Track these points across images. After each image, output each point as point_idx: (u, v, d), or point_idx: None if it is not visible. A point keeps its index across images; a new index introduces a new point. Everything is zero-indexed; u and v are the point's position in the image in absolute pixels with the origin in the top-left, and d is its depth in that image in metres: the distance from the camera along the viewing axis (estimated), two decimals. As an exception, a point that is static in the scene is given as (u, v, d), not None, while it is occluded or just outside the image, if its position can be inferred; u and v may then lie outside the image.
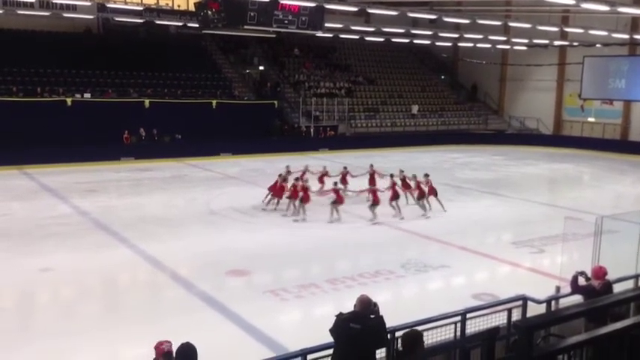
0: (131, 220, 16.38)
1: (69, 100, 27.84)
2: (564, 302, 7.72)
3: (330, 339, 5.65)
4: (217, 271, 12.23)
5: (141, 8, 29.06)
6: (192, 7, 25.27)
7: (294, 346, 6.57)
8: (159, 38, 32.86)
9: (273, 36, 28.57)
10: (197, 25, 21.87)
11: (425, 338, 6.42)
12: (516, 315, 7.35)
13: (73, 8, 27.59)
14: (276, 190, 17.79)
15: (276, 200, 17.84)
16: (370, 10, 22.82)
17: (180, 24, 29.60)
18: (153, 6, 31.47)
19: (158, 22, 28.92)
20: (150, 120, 28.80)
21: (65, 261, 12.65)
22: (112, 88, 30.10)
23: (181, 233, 15.16)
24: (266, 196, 17.99)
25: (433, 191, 17.60)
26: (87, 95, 28.70)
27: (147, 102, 29.46)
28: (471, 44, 35.62)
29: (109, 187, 21.49)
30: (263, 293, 10.93)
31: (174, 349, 5.29)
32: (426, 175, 17.92)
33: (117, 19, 29.56)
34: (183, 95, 31.31)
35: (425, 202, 17.27)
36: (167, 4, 33.05)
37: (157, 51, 32.31)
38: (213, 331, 9.16)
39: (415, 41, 36.42)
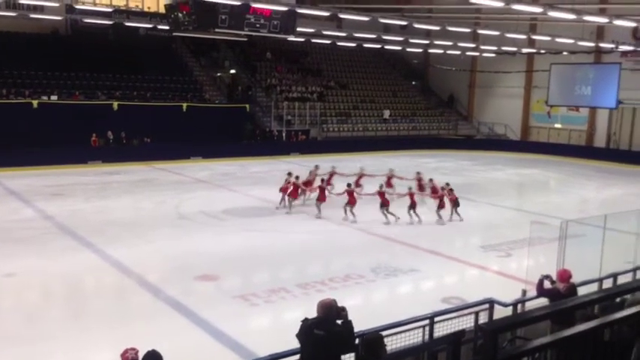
0: (98, 225, 16.09)
1: (35, 103, 27.26)
2: (530, 305, 7.82)
3: (298, 344, 5.62)
4: (186, 275, 12.08)
5: (110, 10, 28.66)
6: (162, 9, 25.04)
7: (263, 351, 6.51)
8: (128, 40, 32.43)
9: (245, 39, 28.43)
10: (167, 28, 21.61)
11: (394, 342, 6.46)
12: (483, 318, 7.43)
13: (40, 9, 27.08)
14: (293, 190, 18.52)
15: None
16: (342, 16, 22.91)
17: (150, 26, 29.27)
18: (122, 7, 31.07)
19: (127, 23, 28.55)
20: (118, 123, 28.39)
21: (30, 266, 12.34)
22: (79, 91, 29.59)
23: (149, 237, 14.94)
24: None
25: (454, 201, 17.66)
26: (54, 97, 28.15)
27: (115, 104, 29.03)
28: (441, 51, 36.03)
29: (75, 191, 21.10)
30: (232, 298, 10.83)
31: (141, 356, 5.20)
32: (447, 184, 18.23)
33: (85, 20, 29.09)
34: (153, 98, 30.93)
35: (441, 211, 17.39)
36: (137, 6, 32.67)
37: (126, 53, 31.89)
38: (181, 337, 9.04)
39: (386, 47, 36.70)
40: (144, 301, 10.83)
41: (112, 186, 22.66)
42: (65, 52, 30.29)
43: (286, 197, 18.45)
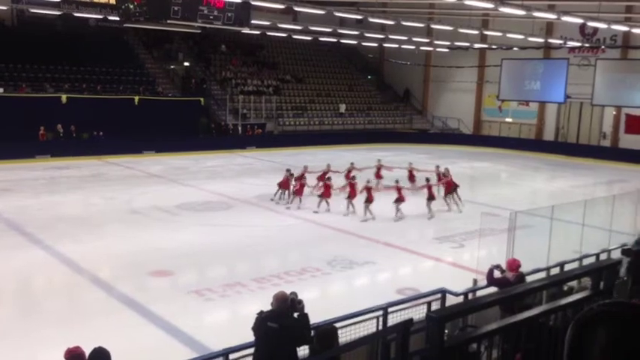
0: (47, 221, 15.63)
1: (-21, 95, 26.25)
2: (481, 294, 8.00)
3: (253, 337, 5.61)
4: (139, 271, 11.87)
5: (58, 0, 27.75)
6: (113, 0, 24.40)
7: (218, 346, 6.47)
8: (77, 31, 31.50)
9: (199, 31, 28.03)
10: (118, 19, 21.11)
11: (349, 333, 6.52)
12: (436, 308, 7.55)
13: (-17, -1, 26.01)
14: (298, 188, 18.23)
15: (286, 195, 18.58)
16: (297, 9, 22.81)
17: (101, 17, 28.45)
18: (71, -3, 30.11)
19: (77, 14, 27.69)
20: (68, 116, 27.57)
21: (-26, 264, 11.90)
22: (26, 83, 28.61)
23: (101, 233, 14.60)
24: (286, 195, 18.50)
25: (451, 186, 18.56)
26: (-1, 90, 27.17)
27: (64, 97, 28.18)
28: (396, 45, 36.37)
29: (23, 186, 20.41)
30: (187, 293, 10.70)
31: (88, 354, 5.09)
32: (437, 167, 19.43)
33: (32, 10, 28.06)
34: (104, 91, 30.19)
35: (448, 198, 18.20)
36: (86, -4, 31.70)
37: (76, 44, 30.99)
38: (135, 333, 8.88)
39: (342, 41, 36.82)
40: (96, 298, 10.59)
41: (61, 181, 22.04)
42: (11, 44, 29.19)
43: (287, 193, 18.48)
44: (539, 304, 5.53)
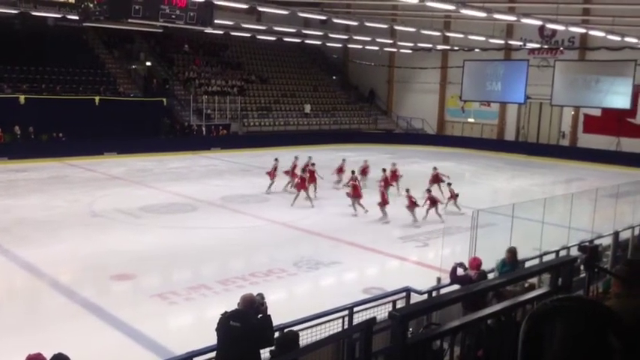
0: (4, 224, 15.20)
1: None
2: (444, 292, 8.10)
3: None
4: (101, 275, 11.66)
5: (15, -2, 27.01)
6: (72, -2, 23.87)
7: (182, 350, 6.39)
8: (36, 30, 30.72)
9: (160, 31, 27.66)
10: (77, 18, 20.68)
11: (314, 333, 6.52)
12: (401, 306, 7.62)
13: None
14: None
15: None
16: (261, 9, 22.70)
17: (60, 16, 27.82)
18: (28, -5, 29.36)
19: (35, 13, 27.02)
20: (26, 117, 26.89)
21: None
22: (-18, 83, 27.78)
23: (61, 237, 14.28)
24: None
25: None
26: (-47, 90, 26.31)
27: (22, 98, 27.46)
28: (360, 46, 36.57)
29: (-21, 190, 19.82)
30: (150, 297, 10.55)
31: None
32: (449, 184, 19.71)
33: (-12, 8, 27.27)
34: (63, 91, 29.52)
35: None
36: (45, -6, 30.96)
37: (34, 44, 30.21)
38: (97, 338, 8.72)
39: (306, 41, 36.84)
40: (57, 303, 10.36)
41: (19, 184, 21.48)
42: (-35, 43, 28.32)
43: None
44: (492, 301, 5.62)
